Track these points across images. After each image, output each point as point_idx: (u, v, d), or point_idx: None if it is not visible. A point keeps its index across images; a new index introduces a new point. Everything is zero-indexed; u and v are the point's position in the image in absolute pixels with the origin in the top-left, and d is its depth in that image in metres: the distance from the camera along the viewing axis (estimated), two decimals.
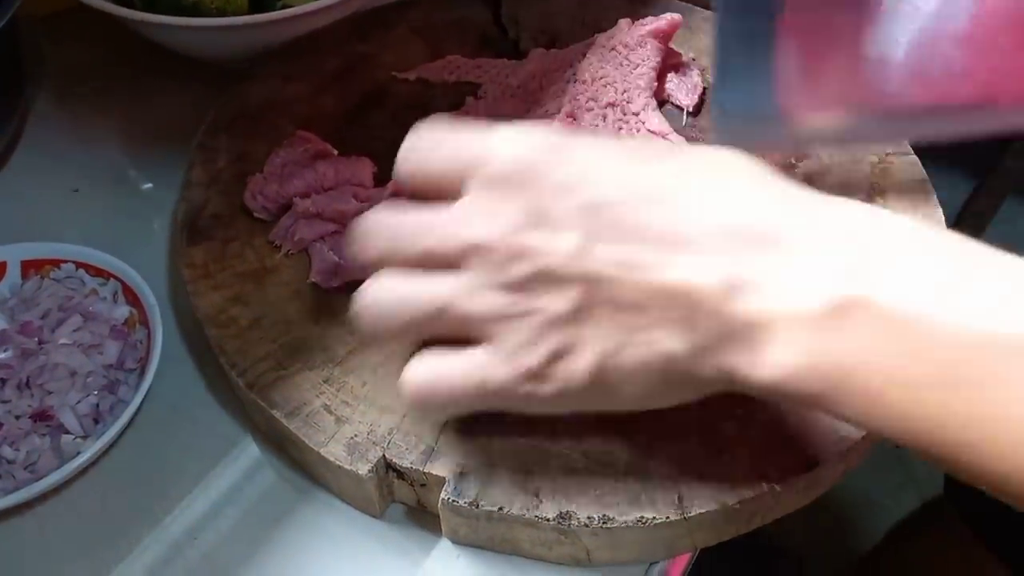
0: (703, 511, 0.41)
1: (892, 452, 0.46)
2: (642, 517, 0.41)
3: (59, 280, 0.54)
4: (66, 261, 0.54)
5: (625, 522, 0.41)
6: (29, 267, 0.54)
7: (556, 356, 0.36)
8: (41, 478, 0.44)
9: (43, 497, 0.46)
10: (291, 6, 0.66)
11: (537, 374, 0.36)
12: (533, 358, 0.36)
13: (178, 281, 0.55)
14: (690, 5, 0.73)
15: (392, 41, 0.69)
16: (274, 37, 0.66)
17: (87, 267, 0.54)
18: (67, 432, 0.47)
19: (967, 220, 1.64)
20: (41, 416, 0.47)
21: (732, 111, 0.47)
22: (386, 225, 0.38)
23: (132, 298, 0.52)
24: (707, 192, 0.35)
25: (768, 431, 0.45)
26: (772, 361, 0.33)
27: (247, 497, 0.47)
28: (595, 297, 0.35)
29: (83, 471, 0.47)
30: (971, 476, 0.32)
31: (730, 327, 0.33)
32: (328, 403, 0.45)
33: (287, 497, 0.47)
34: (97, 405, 0.48)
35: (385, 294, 0.38)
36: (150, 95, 0.72)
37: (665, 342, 0.35)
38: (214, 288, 0.51)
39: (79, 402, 0.48)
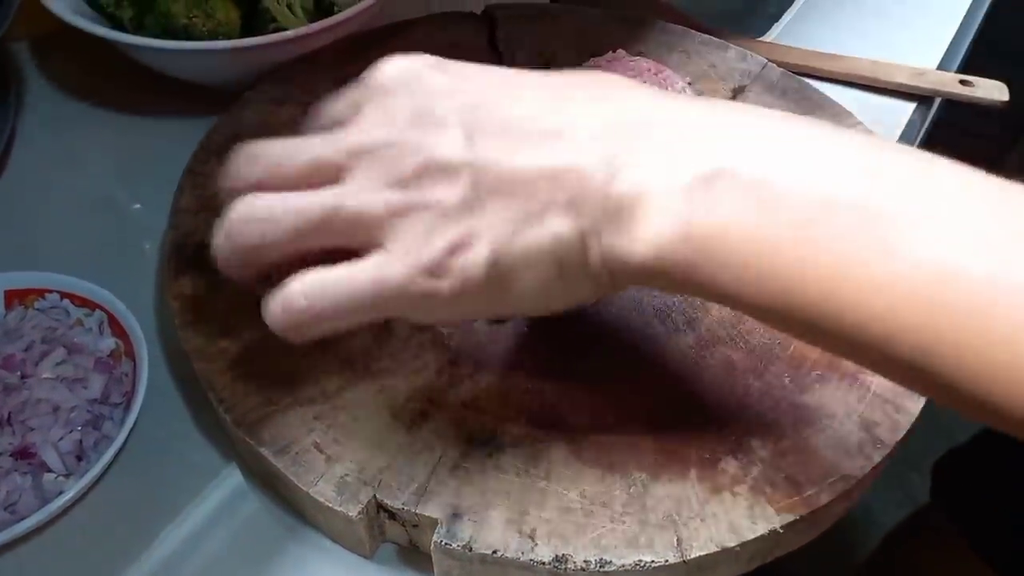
0: (703, 554, 0.40)
1: (889, 467, 0.45)
2: (640, 560, 0.40)
3: (43, 311, 0.52)
4: (51, 291, 0.53)
5: (623, 565, 0.40)
6: (13, 297, 0.53)
7: (452, 249, 0.36)
8: (22, 519, 0.43)
9: (23, 538, 0.44)
10: (284, 29, 0.66)
11: (434, 269, 0.36)
12: (429, 251, 0.36)
13: (166, 311, 0.54)
14: (687, 30, 0.72)
15: None
16: (266, 60, 0.65)
17: (72, 297, 0.53)
18: (49, 471, 0.45)
19: None
20: (22, 454, 0.45)
21: None
22: (276, 144, 0.39)
23: (118, 330, 0.51)
24: (585, 93, 0.37)
25: (768, 470, 0.44)
26: (647, 235, 0.35)
27: (234, 536, 0.46)
28: (483, 183, 0.36)
29: (65, 510, 0.45)
30: (831, 340, 0.34)
31: (611, 206, 0.35)
32: (318, 440, 0.44)
33: (275, 536, 0.46)
34: (80, 442, 0.47)
35: (262, 206, 0.37)
36: (139, 118, 0.71)
37: (554, 225, 0.36)
38: (202, 320, 0.50)
39: (62, 439, 0.46)
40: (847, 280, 0.32)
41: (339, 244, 0.37)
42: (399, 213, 0.36)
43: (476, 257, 0.36)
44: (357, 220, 0.36)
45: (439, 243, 0.36)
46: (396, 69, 0.39)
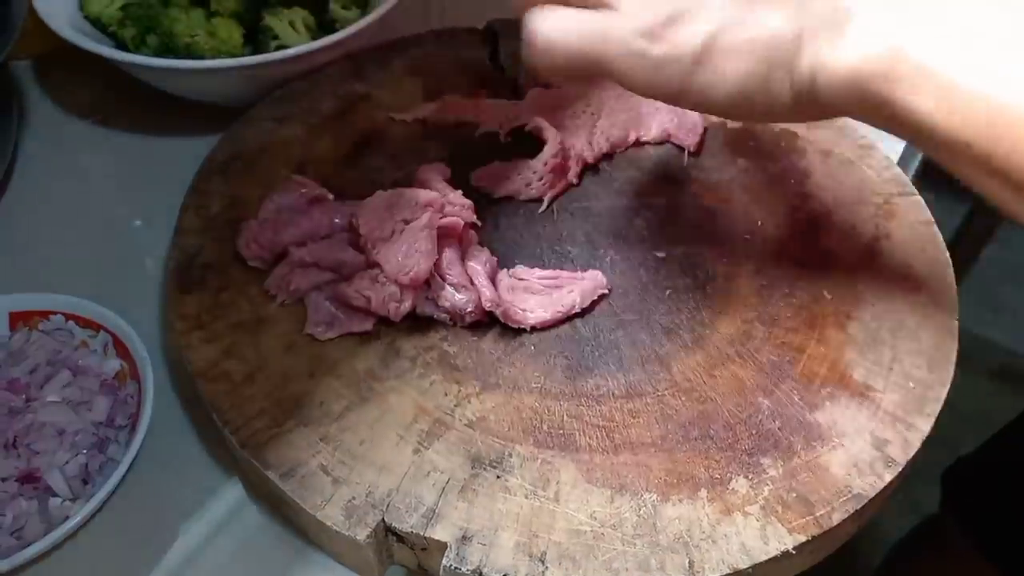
0: None
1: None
2: None
3: (48, 332, 0.52)
4: (55, 312, 0.52)
5: None
6: (17, 319, 0.53)
7: (673, 18, 0.40)
8: (28, 545, 0.42)
9: (27, 564, 0.44)
10: (286, 46, 0.65)
11: (653, 32, 0.40)
12: (653, 16, 0.40)
13: (170, 331, 0.53)
14: None
15: (389, 81, 0.68)
16: (269, 78, 0.65)
17: (77, 318, 0.52)
18: (55, 495, 0.45)
19: (964, 243, 1.63)
20: (28, 478, 0.45)
21: None
22: None
23: (123, 351, 0.51)
24: None
25: (779, 489, 0.43)
26: (858, 45, 0.37)
27: (242, 559, 0.46)
28: None
29: (70, 535, 0.45)
30: (1001, 176, 0.36)
31: (833, 13, 0.38)
32: (324, 463, 0.44)
33: (282, 558, 0.46)
34: (86, 465, 0.46)
35: None
36: (142, 136, 0.70)
37: (777, 19, 0.39)
38: (207, 340, 0.50)
39: (67, 463, 0.46)
40: None
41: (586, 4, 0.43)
42: None
43: (693, 31, 0.40)
44: None
45: (663, 11, 0.40)
46: None
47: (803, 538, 0.41)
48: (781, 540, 0.41)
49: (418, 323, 0.51)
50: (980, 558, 0.77)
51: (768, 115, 0.42)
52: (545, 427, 0.46)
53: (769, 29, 0.39)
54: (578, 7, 0.43)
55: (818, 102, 0.40)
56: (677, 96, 0.42)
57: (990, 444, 0.83)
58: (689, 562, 0.40)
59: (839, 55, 0.38)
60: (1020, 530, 0.76)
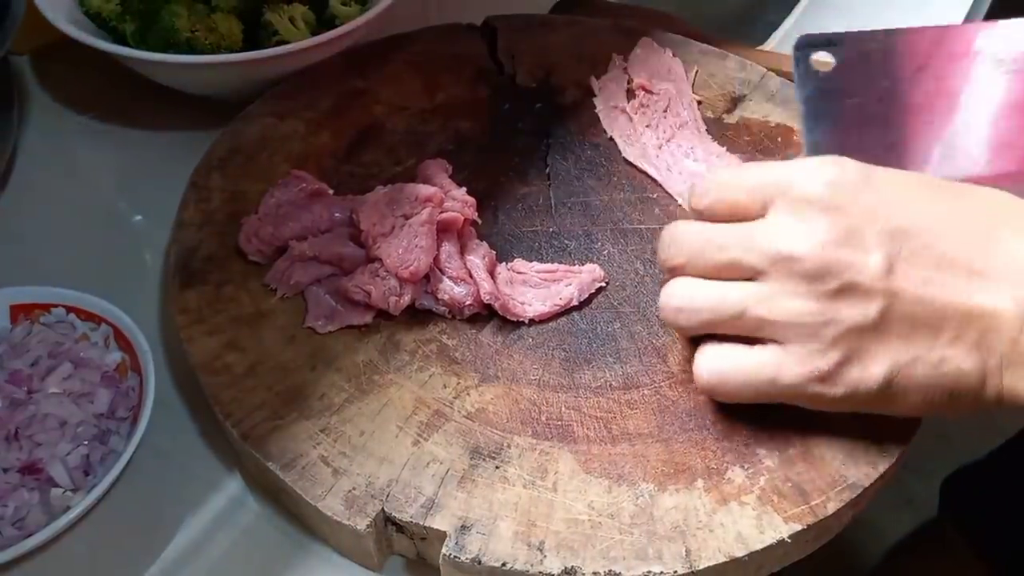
0: (712, 564, 0.40)
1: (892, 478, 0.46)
2: (649, 572, 0.40)
3: (49, 325, 0.52)
4: (56, 305, 0.53)
5: None
6: (19, 311, 0.53)
7: (847, 362, 0.40)
8: (29, 535, 0.43)
9: (29, 554, 0.44)
10: (286, 42, 0.66)
11: (827, 377, 0.40)
12: (826, 361, 0.40)
13: (170, 324, 0.54)
14: (685, 39, 0.73)
15: (388, 76, 0.68)
16: (269, 73, 0.65)
17: (78, 311, 0.53)
18: (56, 486, 0.45)
19: None
20: (30, 469, 0.45)
21: None
22: (696, 232, 0.43)
23: (124, 343, 0.51)
24: (1005, 231, 0.40)
25: (775, 479, 0.44)
26: None
27: (242, 550, 0.46)
28: (895, 311, 0.39)
29: (72, 525, 0.45)
30: None
31: (1008, 348, 0.38)
32: (325, 454, 0.44)
33: (283, 549, 0.46)
34: (87, 456, 0.47)
35: (688, 292, 0.43)
36: (142, 131, 0.71)
37: (957, 361, 0.39)
38: (208, 334, 0.50)
39: (69, 454, 0.46)
40: None
41: (742, 334, 0.42)
42: (806, 324, 0.40)
43: (869, 374, 0.40)
44: (764, 323, 0.41)
45: (836, 355, 0.39)
46: (821, 181, 0.40)
47: (799, 527, 0.42)
48: (777, 529, 0.42)
49: (417, 316, 0.52)
50: (977, 561, 0.77)
51: (951, 415, 0.43)
52: (543, 418, 0.47)
53: (952, 368, 0.39)
54: (739, 336, 0.43)
55: (1003, 409, 0.41)
56: (860, 411, 0.43)
57: (991, 455, 0.83)
58: (686, 551, 0.41)
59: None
60: (1018, 535, 0.76)
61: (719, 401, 0.46)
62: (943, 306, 0.38)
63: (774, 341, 0.41)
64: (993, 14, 0.84)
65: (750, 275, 0.41)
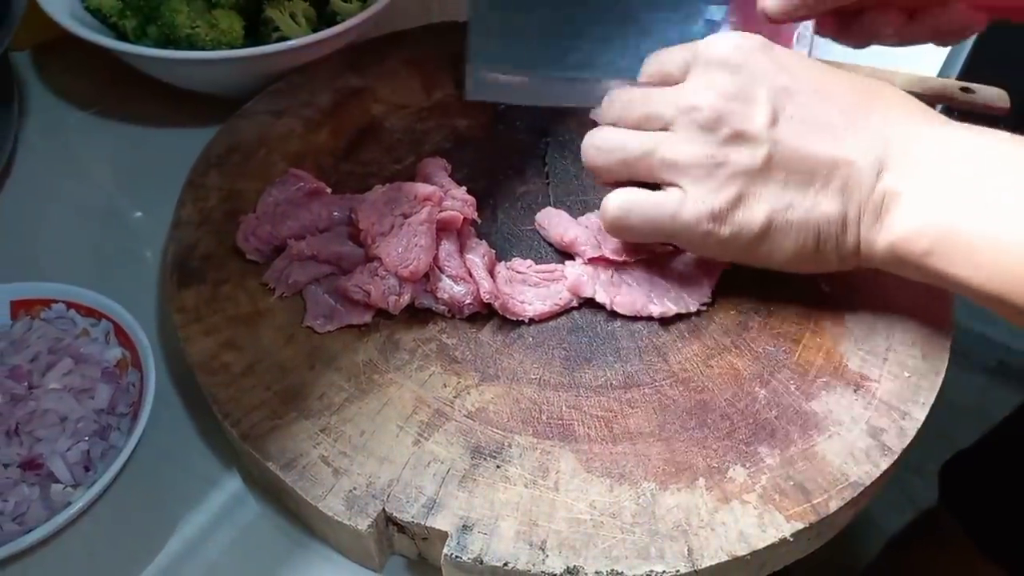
0: (714, 563, 0.40)
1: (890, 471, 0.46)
2: (652, 571, 0.40)
3: (49, 321, 0.52)
4: (57, 301, 0.53)
5: None
6: (19, 307, 0.53)
7: (737, 203, 0.46)
8: (29, 530, 0.43)
9: (29, 549, 0.44)
10: (286, 38, 0.66)
11: (719, 216, 0.46)
12: (719, 200, 0.46)
13: (169, 322, 0.54)
14: None
15: (385, 74, 0.68)
16: (269, 69, 0.65)
17: (78, 307, 0.52)
18: (57, 481, 0.45)
19: None
20: (30, 465, 0.45)
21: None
22: (623, 94, 0.50)
23: (124, 339, 0.51)
24: (875, 103, 0.46)
25: (776, 477, 0.44)
26: (896, 226, 0.44)
27: (242, 549, 0.46)
28: (776, 158, 0.45)
29: (72, 520, 0.45)
30: None
31: (874, 199, 0.44)
32: (325, 454, 0.44)
33: (283, 549, 0.46)
34: (88, 452, 0.47)
35: (608, 135, 0.50)
36: (141, 127, 0.71)
37: (824, 205, 0.45)
38: (206, 333, 0.50)
39: (69, 449, 0.46)
40: None
41: (646, 179, 0.49)
42: (703, 165, 0.46)
43: (754, 214, 0.46)
44: (668, 164, 0.47)
45: (727, 195, 0.46)
46: (728, 47, 0.47)
47: (800, 525, 0.42)
48: (778, 528, 0.42)
49: (417, 315, 0.52)
50: (976, 550, 0.78)
51: (816, 270, 0.49)
52: (544, 417, 0.46)
53: (820, 211, 0.45)
54: (648, 183, 0.49)
55: (859, 263, 0.47)
56: (738, 260, 0.49)
57: (987, 439, 0.84)
58: (688, 550, 0.41)
59: (880, 235, 0.45)
60: (1016, 523, 0.76)
61: (707, 399, 0.47)
62: (814, 155, 0.45)
63: (676, 186, 0.47)
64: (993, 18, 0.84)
65: (663, 126, 0.48)
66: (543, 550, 0.41)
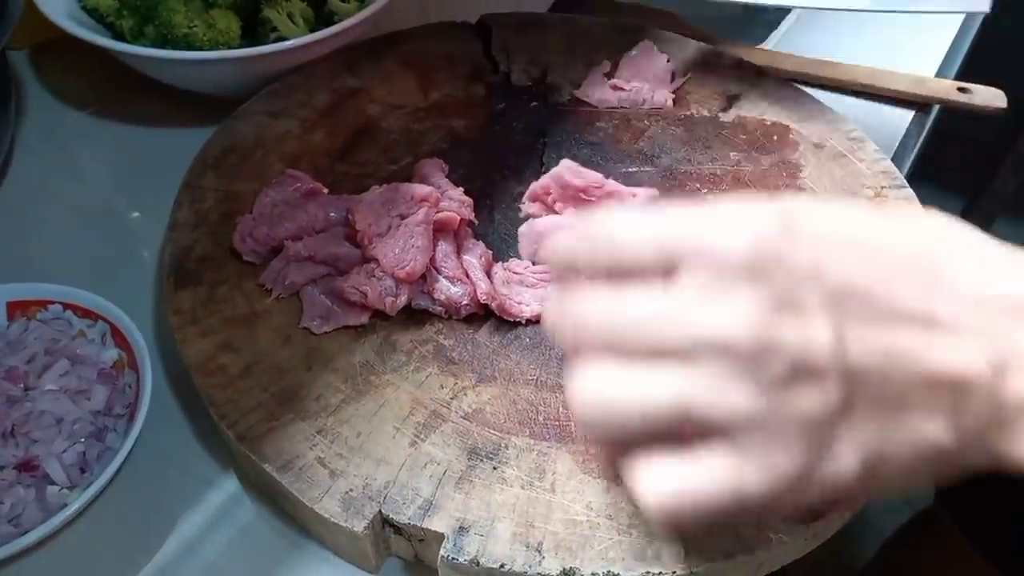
0: (710, 564, 0.40)
1: None
2: (648, 572, 0.40)
3: (46, 322, 0.52)
4: (53, 302, 0.53)
5: None
6: (15, 308, 0.53)
7: (815, 458, 0.32)
8: (25, 532, 0.43)
9: (25, 551, 0.44)
10: (284, 38, 0.66)
11: (799, 481, 0.32)
12: (792, 463, 0.32)
13: (165, 323, 0.53)
14: (682, 38, 0.73)
15: (382, 74, 0.68)
16: (267, 69, 0.65)
17: (75, 308, 0.52)
18: (53, 483, 0.45)
19: None
20: (26, 466, 0.45)
21: None
22: (601, 313, 0.34)
23: (121, 340, 0.51)
24: (949, 263, 0.33)
25: None
26: None
27: (239, 551, 0.46)
28: (858, 392, 0.32)
29: (68, 522, 0.45)
30: None
31: (1000, 409, 0.32)
32: (322, 455, 0.44)
33: (279, 551, 0.46)
34: (84, 454, 0.47)
35: (612, 389, 0.33)
36: (139, 127, 0.71)
37: (932, 433, 0.32)
38: (202, 334, 0.50)
39: (65, 451, 0.46)
40: None
41: (688, 433, 0.33)
42: (755, 424, 0.32)
43: (843, 467, 0.32)
44: (710, 421, 0.32)
45: (803, 456, 0.32)
46: (743, 246, 0.32)
47: (797, 526, 0.42)
48: (775, 528, 0.42)
49: (413, 316, 0.52)
50: (973, 549, 0.78)
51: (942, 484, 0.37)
52: (541, 419, 0.46)
53: (927, 440, 0.32)
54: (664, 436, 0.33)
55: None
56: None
57: None
58: (684, 551, 0.41)
59: (1019, 449, 0.32)
60: (1012, 522, 0.76)
61: None
62: (907, 377, 0.32)
63: (726, 441, 0.32)
64: (991, 19, 0.84)
65: (680, 359, 0.32)
66: (539, 552, 0.41)
